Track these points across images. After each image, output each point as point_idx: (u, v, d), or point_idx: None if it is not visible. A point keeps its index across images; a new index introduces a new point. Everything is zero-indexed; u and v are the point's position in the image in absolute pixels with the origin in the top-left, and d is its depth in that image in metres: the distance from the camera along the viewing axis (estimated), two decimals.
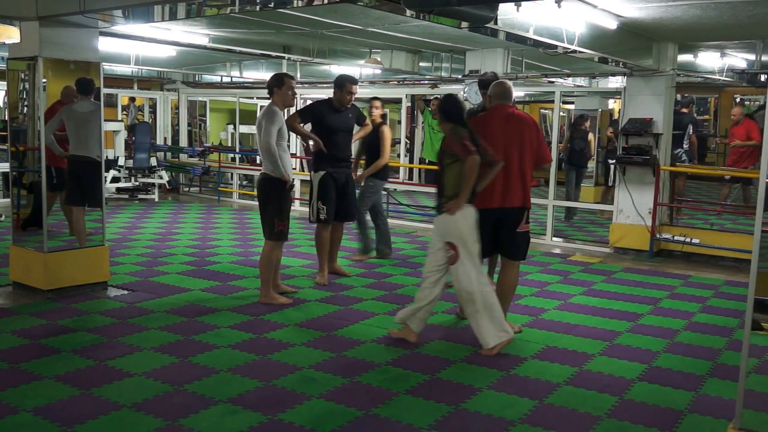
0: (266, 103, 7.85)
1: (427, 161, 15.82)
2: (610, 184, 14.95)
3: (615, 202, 11.50)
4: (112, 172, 15.95)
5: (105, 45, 11.58)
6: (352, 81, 8.78)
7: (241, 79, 18.31)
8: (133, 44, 13.40)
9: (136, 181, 16.43)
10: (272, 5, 7.19)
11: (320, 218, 8.61)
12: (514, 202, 6.77)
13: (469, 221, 6.30)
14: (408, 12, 6.50)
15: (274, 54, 13.52)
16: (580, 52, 9.17)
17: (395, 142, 22.67)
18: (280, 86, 7.66)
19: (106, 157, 14.54)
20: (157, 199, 16.40)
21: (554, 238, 12.20)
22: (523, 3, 6.83)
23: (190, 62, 17.78)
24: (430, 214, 14.31)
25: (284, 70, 16.37)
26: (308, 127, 8.69)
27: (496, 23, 7.27)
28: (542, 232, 12.22)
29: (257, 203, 7.92)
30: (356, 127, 9.04)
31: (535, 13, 7.88)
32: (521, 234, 6.89)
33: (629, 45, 10.27)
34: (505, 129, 6.76)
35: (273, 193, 7.63)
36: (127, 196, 16.29)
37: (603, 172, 16.16)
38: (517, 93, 17.13)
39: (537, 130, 6.91)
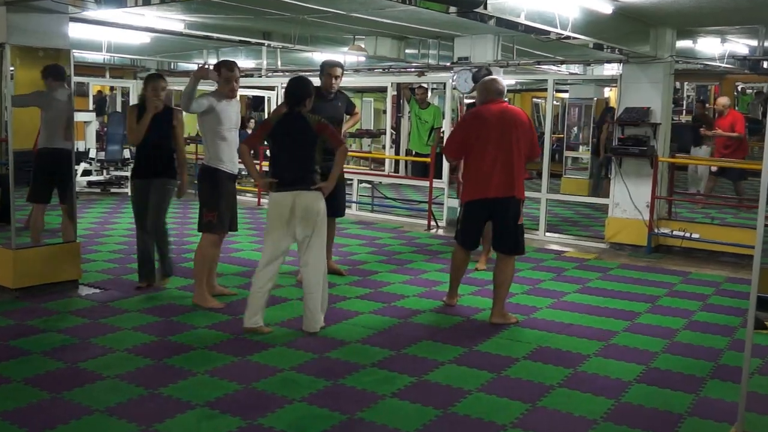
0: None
1: (413, 153, 15.79)
2: (607, 175, 15.03)
3: (611, 195, 11.53)
4: (83, 165, 15.86)
5: (75, 31, 11.52)
6: (333, 63, 8.73)
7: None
8: (105, 30, 13.35)
9: (108, 174, 16.35)
10: None
11: None
12: (515, 192, 7.14)
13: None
14: None
15: (253, 41, 13.49)
16: (573, 38, 9.18)
17: (381, 133, 22.70)
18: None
19: (77, 149, 14.47)
20: (130, 193, 16.29)
21: (548, 234, 12.21)
22: None
23: (165, 49, 17.72)
24: (418, 208, 14.31)
25: (264, 56, 16.37)
26: None
27: (485, 8, 7.27)
28: (535, 227, 12.23)
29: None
30: (345, 117, 8.97)
31: None
32: (521, 227, 7.29)
33: (625, 30, 10.29)
34: (500, 122, 7.14)
35: (204, 183, 7.56)
36: (99, 190, 16.21)
37: (598, 164, 16.25)
38: (508, 81, 17.16)
39: (530, 124, 7.37)
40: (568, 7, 8.60)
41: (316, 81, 8.55)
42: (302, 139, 6.67)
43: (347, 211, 14.15)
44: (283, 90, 6.92)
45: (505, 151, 7.09)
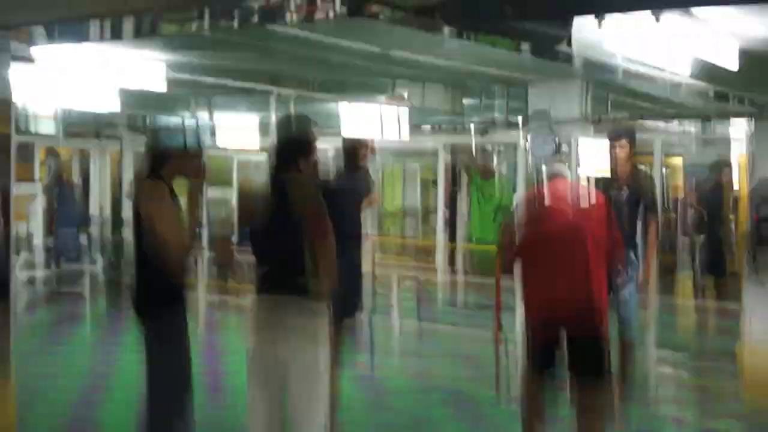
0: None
1: (475, 240, 15.85)
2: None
3: (742, 307, 11.39)
4: (23, 256, 15.92)
5: (19, 74, 11.78)
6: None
7: (211, 123, 18.43)
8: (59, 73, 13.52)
9: (57, 268, 16.44)
10: (255, 20, 7.31)
11: None
12: (590, 315, 7.07)
13: None
14: (446, 30, 6.61)
15: (258, 87, 13.62)
16: (688, 85, 9.25)
17: (430, 212, 22.76)
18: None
19: (16, 233, 14.61)
20: (88, 296, 16.44)
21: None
22: (606, 16, 6.95)
23: (138, 100, 17.94)
24: (479, 315, 14.31)
25: (272, 108, 16.54)
26: None
27: (569, 45, 7.35)
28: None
29: None
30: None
31: (625, 31, 7.98)
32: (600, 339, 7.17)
33: (757, 75, 10.35)
34: (567, 221, 7.20)
35: None
36: (44, 291, 16.28)
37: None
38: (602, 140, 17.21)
39: (612, 220, 7.49)
40: (680, 44, 8.69)
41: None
42: (283, 220, 6.29)
43: (383, 318, 14.20)
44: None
45: (575, 257, 7.10)
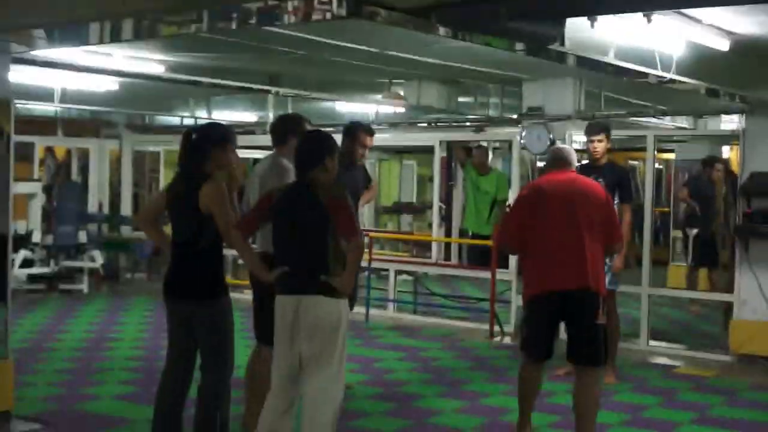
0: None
1: (470, 234, 15.86)
2: (691, 263, 15.14)
3: (735, 290, 11.53)
4: (23, 253, 15.92)
5: (19, 75, 11.79)
6: (368, 131, 9.16)
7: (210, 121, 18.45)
8: (59, 74, 13.50)
9: (57, 265, 16.45)
10: (254, 21, 7.35)
11: None
12: (590, 282, 7.30)
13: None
14: (442, 30, 6.65)
15: (255, 87, 13.63)
16: (679, 82, 9.30)
17: (426, 207, 22.77)
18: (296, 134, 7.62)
19: (15, 231, 14.55)
20: (86, 291, 16.46)
21: (652, 342, 12.19)
22: (599, 18, 7.00)
23: (138, 99, 17.92)
24: (477, 309, 14.37)
25: (270, 107, 16.55)
26: None
27: (562, 44, 7.41)
28: (634, 334, 12.27)
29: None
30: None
31: (617, 30, 8.03)
32: (600, 327, 7.38)
33: (748, 72, 10.40)
34: (567, 196, 7.49)
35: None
36: (43, 287, 16.28)
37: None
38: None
39: (608, 201, 7.69)
40: (671, 42, 8.73)
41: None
42: (308, 220, 6.44)
43: (380, 312, 14.23)
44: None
45: (573, 231, 7.33)
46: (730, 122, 15.15)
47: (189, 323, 6.84)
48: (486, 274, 13.50)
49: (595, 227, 7.38)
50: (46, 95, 15.71)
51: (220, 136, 6.93)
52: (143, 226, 7.98)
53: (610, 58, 8.27)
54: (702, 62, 9.37)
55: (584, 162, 10.35)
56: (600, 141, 10.05)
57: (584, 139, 10.52)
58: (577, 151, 10.27)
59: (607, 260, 9.31)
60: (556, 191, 7.49)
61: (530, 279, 7.61)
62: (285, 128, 7.80)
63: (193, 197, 6.61)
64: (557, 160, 7.80)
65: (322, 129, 7.85)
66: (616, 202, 9.67)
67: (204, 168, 6.72)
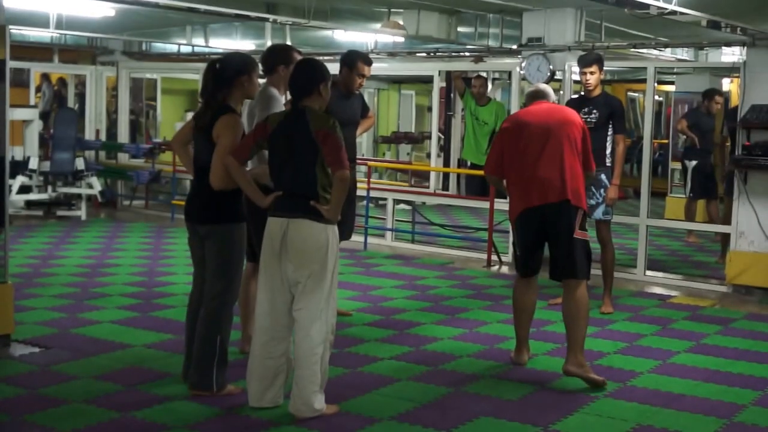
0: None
1: (469, 164, 15.82)
2: (690, 194, 15.09)
3: (733, 222, 11.51)
4: (20, 179, 15.88)
5: (13, 0, 11.67)
6: (367, 60, 9.20)
7: (207, 49, 18.37)
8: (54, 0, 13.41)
9: (54, 191, 16.42)
10: None
11: None
12: (569, 195, 7.57)
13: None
14: None
15: (253, 15, 13.56)
16: (681, 13, 9.22)
17: (424, 137, 22.74)
18: (288, 64, 7.71)
19: (12, 157, 14.51)
20: (84, 217, 16.42)
21: (649, 272, 12.21)
22: None
23: (134, 26, 17.85)
24: (475, 238, 14.37)
25: (268, 36, 16.45)
26: None
27: None
28: (632, 264, 12.29)
29: None
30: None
31: None
32: (579, 242, 7.63)
33: (750, 3, 10.31)
34: (545, 121, 7.83)
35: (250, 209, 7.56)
36: (41, 213, 16.28)
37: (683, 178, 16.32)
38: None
39: (583, 128, 7.96)
40: None
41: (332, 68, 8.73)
42: (300, 148, 6.54)
43: (378, 240, 14.30)
44: None
45: (552, 148, 7.63)
46: (731, 54, 15.08)
47: (204, 244, 7.04)
48: (484, 204, 13.52)
49: (574, 148, 7.68)
50: (41, 21, 15.61)
51: (245, 65, 7.09)
52: (175, 149, 8.27)
53: None
54: None
55: (576, 95, 10.50)
56: (592, 72, 9.97)
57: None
58: (574, 82, 10.48)
59: (602, 191, 9.63)
60: (534, 117, 7.86)
61: (515, 202, 7.86)
62: (274, 58, 7.99)
63: (210, 128, 6.82)
64: (535, 95, 8.15)
65: (319, 58, 7.90)
66: (609, 133, 9.89)
67: (229, 98, 6.94)
